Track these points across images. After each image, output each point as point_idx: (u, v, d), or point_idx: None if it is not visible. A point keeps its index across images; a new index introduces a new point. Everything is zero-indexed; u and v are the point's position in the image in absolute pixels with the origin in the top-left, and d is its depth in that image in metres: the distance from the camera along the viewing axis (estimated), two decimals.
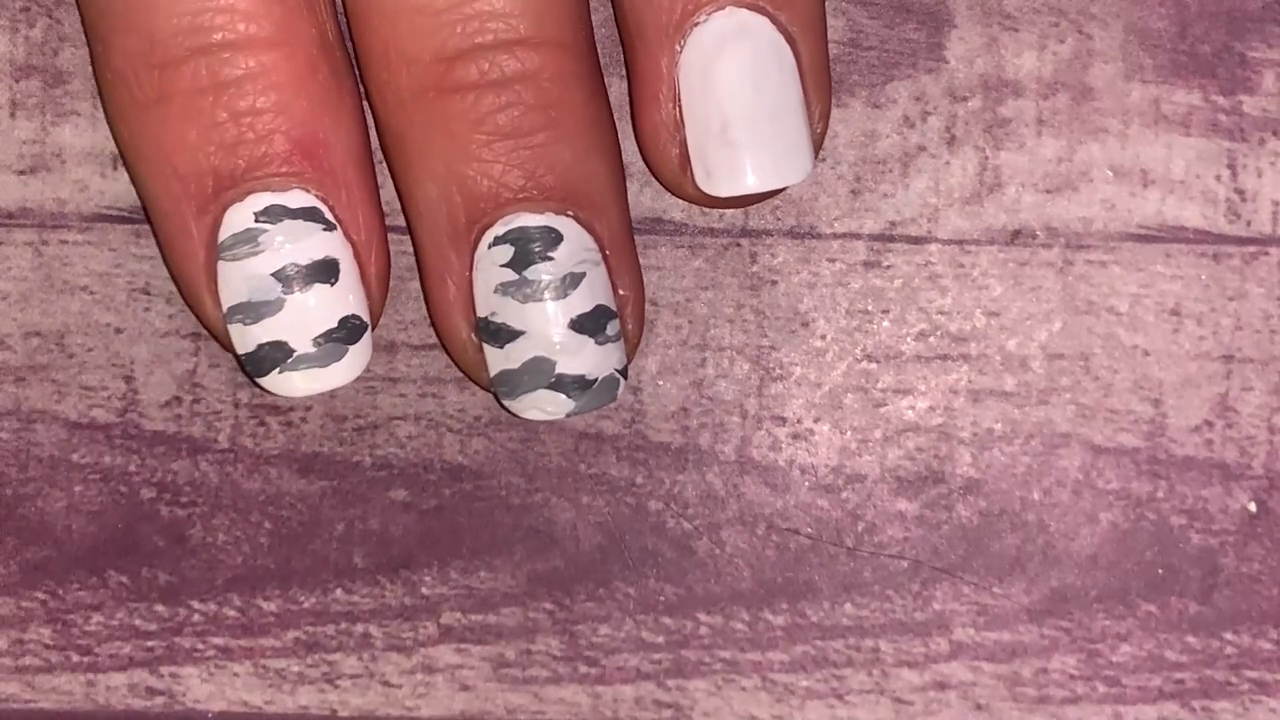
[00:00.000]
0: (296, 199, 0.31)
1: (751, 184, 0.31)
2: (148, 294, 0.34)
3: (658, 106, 0.32)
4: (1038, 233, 0.34)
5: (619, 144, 0.32)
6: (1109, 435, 0.34)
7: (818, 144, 0.32)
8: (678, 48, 0.31)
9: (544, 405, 0.32)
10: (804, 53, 0.31)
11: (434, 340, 0.33)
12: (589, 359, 0.31)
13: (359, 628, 0.34)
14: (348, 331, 0.31)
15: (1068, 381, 0.34)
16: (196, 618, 0.34)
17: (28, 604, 0.34)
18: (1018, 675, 0.34)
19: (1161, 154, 0.34)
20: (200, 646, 0.34)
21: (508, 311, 0.31)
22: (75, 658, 0.34)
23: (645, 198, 0.34)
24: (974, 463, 0.34)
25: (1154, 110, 0.34)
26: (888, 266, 0.34)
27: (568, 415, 0.32)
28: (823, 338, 0.34)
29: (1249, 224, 0.34)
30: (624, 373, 0.32)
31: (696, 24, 0.31)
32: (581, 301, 0.31)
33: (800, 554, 0.34)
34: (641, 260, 0.34)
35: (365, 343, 0.32)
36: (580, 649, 0.34)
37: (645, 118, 0.32)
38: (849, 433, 0.34)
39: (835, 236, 0.34)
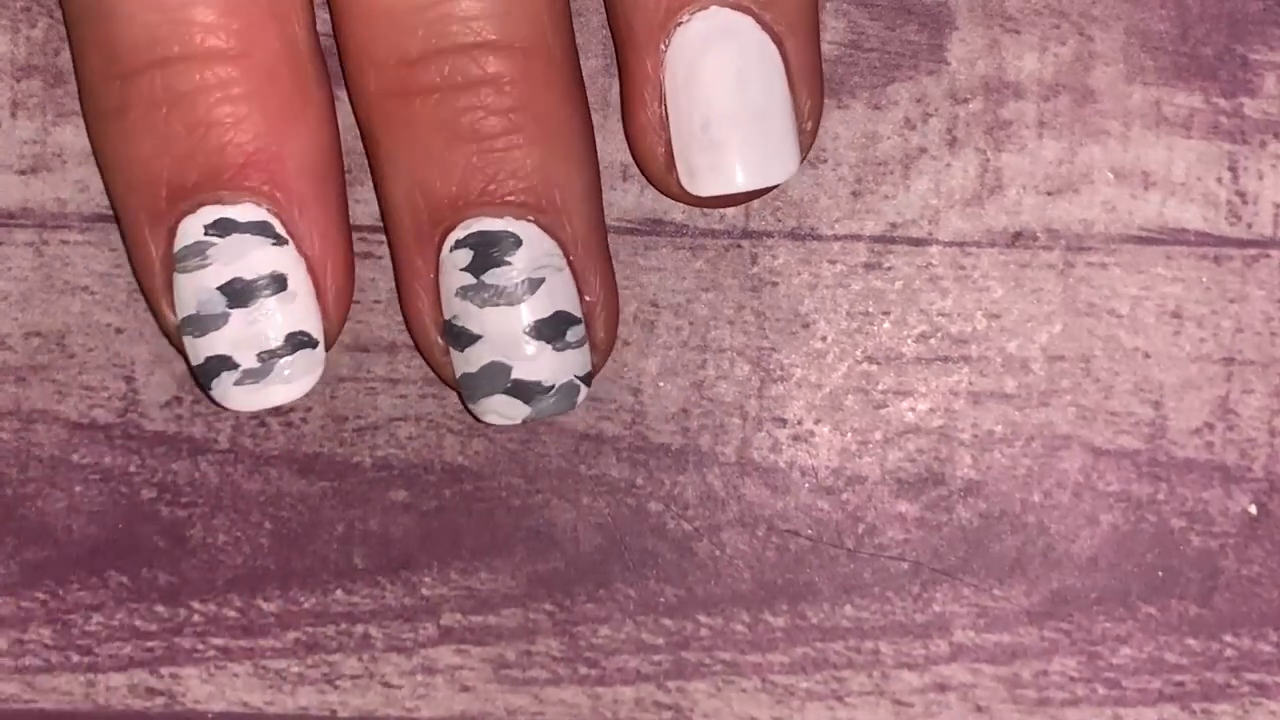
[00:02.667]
0: (246, 213, 0.31)
1: (733, 183, 0.31)
2: None
3: (644, 105, 0.32)
4: (1038, 235, 0.34)
5: (593, 148, 0.32)
6: (1109, 437, 0.34)
7: (808, 144, 0.32)
8: (662, 47, 0.31)
9: (500, 410, 0.32)
10: (791, 52, 0.31)
11: None
12: (546, 365, 0.31)
13: (359, 628, 0.34)
14: (294, 348, 0.31)
15: (1068, 383, 0.34)
16: (196, 618, 0.34)
17: (28, 604, 0.34)
18: (1018, 677, 0.34)
19: (1163, 156, 0.34)
20: (200, 647, 0.34)
21: (468, 315, 0.31)
22: (75, 658, 0.34)
23: (646, 199, 0.34)
24: (974, 465, 0.34)
25: (1155, 112, 0.34)
26: (888, 268, 0.34)
27: (523, 421, 0.32)
28: (823, 339, 0.34)
29: (1250, 226, 0.34)
30: (587, 379, 0.32)
31: (680, 23, 0.31)
32: (540, 307, 0.31)
33: (800, 555, 0.34)
34: (642, 261, 0.34)
35: (314, 359, 0.32)
36: (580, 650, 0.34)
37: (632, 117, 0.32)
38: (849, 434, 0.34)
39: (836, 238, 0.34)
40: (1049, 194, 0.34)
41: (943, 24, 0.34)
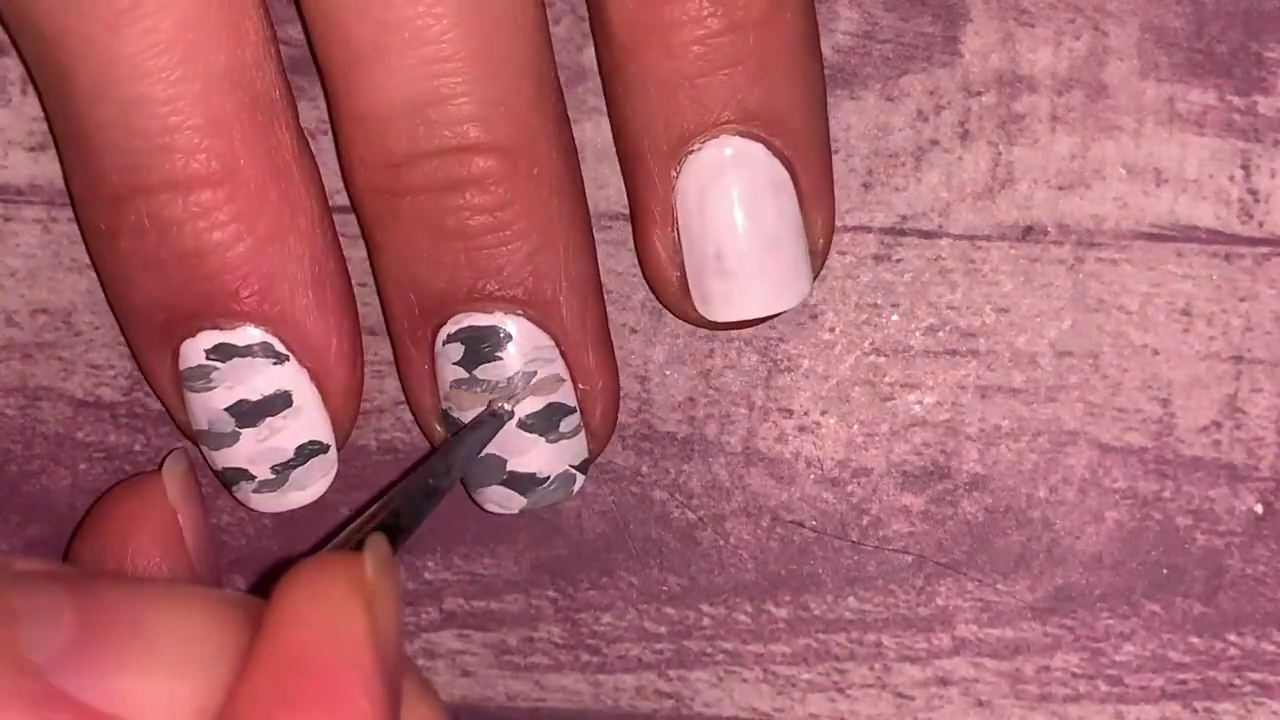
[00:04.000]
0: (244, 336, 0.31)
1: (747, 312, 0.31)
2: None
3: (656, 231, 0.32)
4: (1049, 229, 0.34)
5: (589, 237, 0.32)
6: (1116, 434, 0.34)
7: (820, 262, 0.32)
8: (674, 174, 0.31)
9: (498, 500, 0.32)
10: (802, 176, 0.31)
11: None
12: (540, 457, 0.31)
13: None
14: (306, 457, 0.32)
15: (1076, 379, 0.34)
16: None
17: None
18: (1020, 672, 0.34)
19: (1175, 153, 0.33)
20: None
21: (461, 408, 0.31)
22: None
23: None
24: (980, 459, 0.34)
25: (1168, 109, 0.33)
26: (898, 260, 0.34)
27: (520, 511, 0.32)
28: (831, 330, 0.34)
29: (1261, 225, 0.34)
30: (583, 467, 0.32)
31: (691, 151, 0.31)
32: (531, 401, 0.31)
33: (804, 547, 0.34)
34: None
35: (327, 462, 0.32)
36: (582, 637, 0.34)
37: (645, 241, 0.32)
38: (855, 426, 0.34)
39: (846, 229, 0.34)
40: (1060, 189, 0.34)
41: (957, 16, 0.33)
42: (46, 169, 0.33)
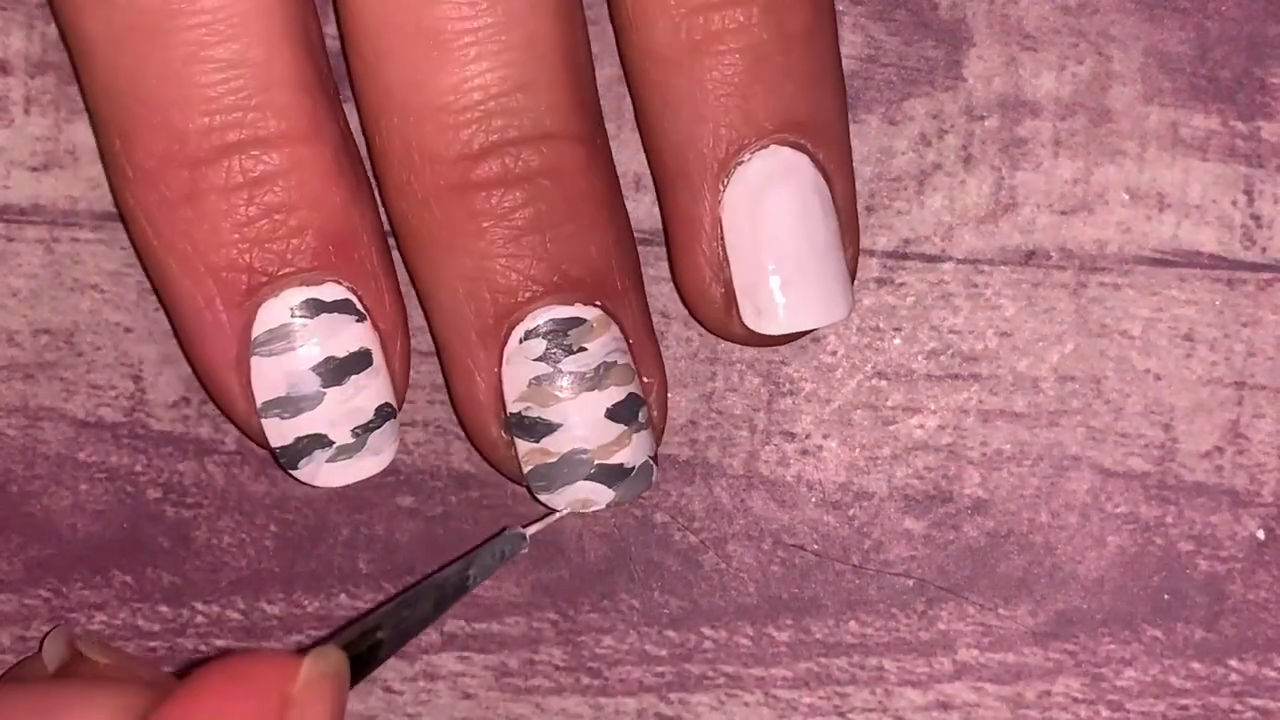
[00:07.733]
0: (330, 292, 0.31)
1: (804, 322, 0.31)
2: (158, 294, 0.34)
3: (701, 245, 0.31)
4: (1052, 254, 0.34)
5: (631, 228, 0.32)
6: (1119, 459, 0.34)
7: (850, 280, 0.32)
8: (722, 186, 0.31)
9: (584, 496, 0.31)
10: (839, 191, 0.31)
11: None
12: (627, 448, 0.31)
13: None
14: (382, 419, 0.31)
15: (1078, 404, 0.34)
16: (200, 619, 0.34)
17: (31, 601, 0.34)
18: (1021, 697, 0.34)
19: (1178, 178, 0.33)
20: (203, 649, 0.34)
21: (544, 405, 0.31)
22: None
23: (659, 209, 0.34)
24: (982, 483, 0.34)
25: (1172, 134, 0.33)
26: (900, 284, 0.34)
27: (608, 506, 0.32)
28: (833, 353, 0.34)
29: (1264, 250, 0.34)
30: (655, 459, 0.32)
31: (741, 163, 0.31)
32: (616, 391, 0.31)
33: (806, 570, 0.34)
34: (653, 272, 0.33)
35: (395, 428, 0.32)
36: (583, 660, 0.34)
37: (687, 256, 0.32)
38: (857, 450, 0.34)
39: None
40: (1063, 213, 0.34)
41: (960, 40, 0.33)
42: (49, 189, 0.33)
